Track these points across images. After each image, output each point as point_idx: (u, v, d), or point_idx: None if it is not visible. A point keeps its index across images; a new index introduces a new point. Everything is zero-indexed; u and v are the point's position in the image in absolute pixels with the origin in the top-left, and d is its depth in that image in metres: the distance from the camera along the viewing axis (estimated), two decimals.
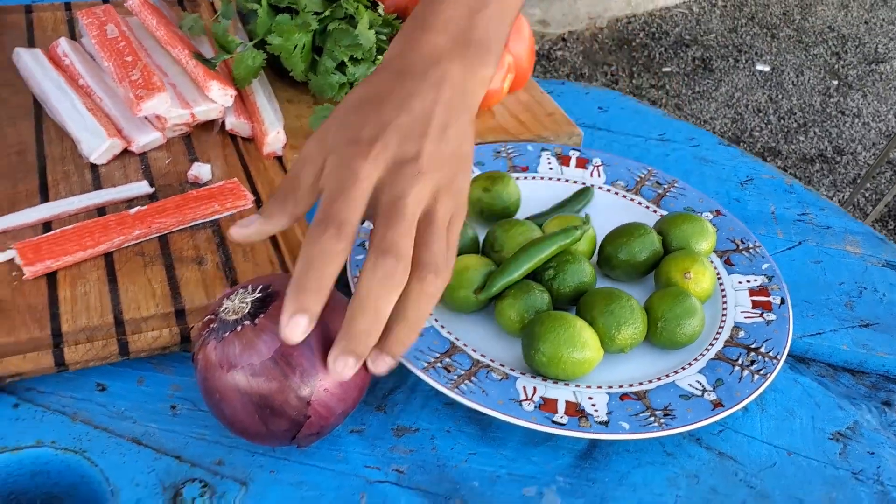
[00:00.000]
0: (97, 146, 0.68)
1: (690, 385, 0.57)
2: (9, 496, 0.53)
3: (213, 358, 0.48)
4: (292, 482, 0.52)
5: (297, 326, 0.45)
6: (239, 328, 0.48)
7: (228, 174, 0.70)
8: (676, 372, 0.58)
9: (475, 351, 0.58)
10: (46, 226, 0.62)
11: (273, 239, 0.64)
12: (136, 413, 0.55)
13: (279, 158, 0.73)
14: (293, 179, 0.49)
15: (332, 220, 0.46)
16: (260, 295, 0.49)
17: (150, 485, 0.51)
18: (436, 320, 0.60)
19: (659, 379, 0.58)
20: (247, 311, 0.49)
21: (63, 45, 0.78)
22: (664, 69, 3.02)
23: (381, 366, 0.47)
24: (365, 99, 0.50)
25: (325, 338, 0.49)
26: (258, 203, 0.67)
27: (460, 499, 0.52)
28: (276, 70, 0.78)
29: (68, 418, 0.54)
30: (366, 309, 0.46)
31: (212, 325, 0.49)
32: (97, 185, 0.67)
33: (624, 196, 0.72)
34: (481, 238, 0.65)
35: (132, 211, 0.63)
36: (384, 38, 0.76)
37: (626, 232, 0.64)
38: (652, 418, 0.54)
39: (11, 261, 0.59)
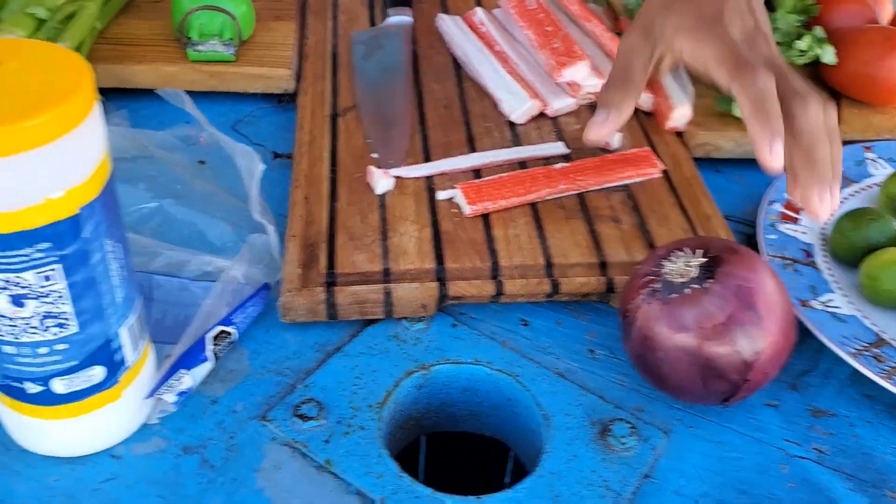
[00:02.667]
0: (518, 107, 0.74)
1: None
2: (439, 406, 0.59)
3: (657, 317, 0.51)
4: (712, 440, 0.53)
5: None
6: (687, 291, 0.50)
7: (632, 143, 0.72)
8: None
9: None
10: (475, 172, 0.68)
11: (682, 207, 0.66)
12: (557, 350, 0.58)
13: (679, 134, 0.75)
14: (626, 69, 0.62)
15: (752, 60, 0.55)
16: (705, 260, 0.51)
17: (578, 416, 0.54)
18: (858, 311, 0.58)
19: None
20: (694, 274, 0.50)
21: (479, 13, 0.85)
22: None
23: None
24: None
25: (767, 303, 0.49)
26: (665, 174, 0.69)
27: (890, 490, 0.51)
28: None
29: (498, 344, 0.59)
30: (818, 142, 0.55)
31: (653, 286, 0.51)
32: (516, 142, 0.72)
33: None
34: None
35: (557, 167, 0.67)
36: (799, 24, 0.75)
37: None
38: None
39: (450, 199, 0.65)
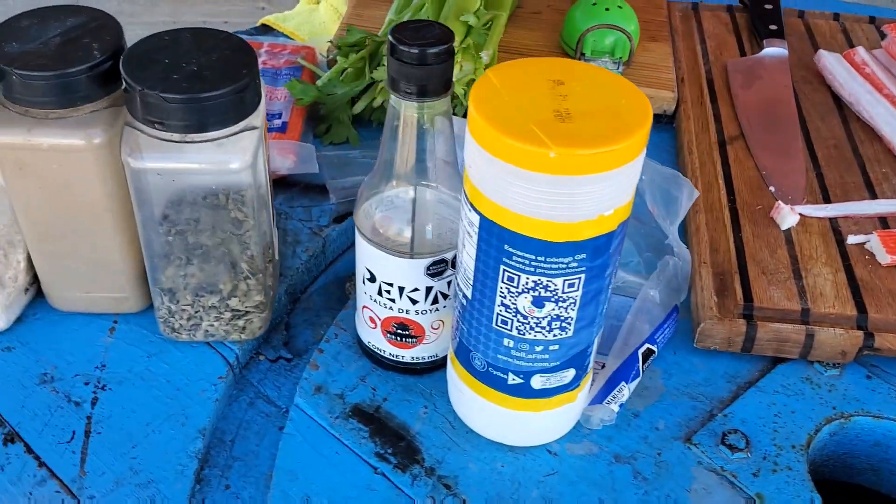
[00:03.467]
0: None
1: None
2: (842, 455, 0.58)
3: None
4: None
5: None
6: None
7: None
8: None
9: None
10: (881, 219, 0.66)
11: None
12: None
13: None
14: None
15: None
16: None
17: None
18: None
19: None
20: None
21: (861, 53, 0.83)
22: None
23: None
24: None
25: None
26: None
27: None
28: None
29: None
30: None
31: None
32: None
33: None
34: None
35: None
36: None
37: None
38: None
39: (862, 244, 0.64)
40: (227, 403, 0.57)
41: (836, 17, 0.95)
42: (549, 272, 0.43)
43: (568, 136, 0.39)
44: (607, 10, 0.80)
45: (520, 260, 0.43)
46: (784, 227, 0.65)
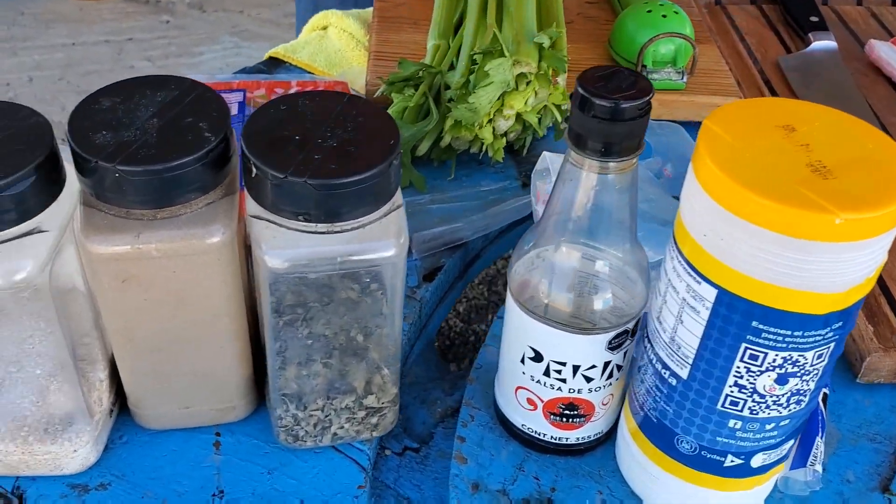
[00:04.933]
0: None
1: None
2: None
3: None
4: None
5: None
6: None
7: None
8: None
9: None
10: None
11: None
12: None
13: None
14: None
15: None
16: None
17: None
18: None
19: None
20: None
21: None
22: None
23: None
24: None
25: None
26: None
27: None
28: None
29: None
30: None
31: None
32: None
33: None
34: None
35: None
36: None
37: None
38: None
39: None
40: None
41: (860, 2, 0.93)
42: (801, 346, 0.38)
43: (842, 196, 0.34)
44: (664, 16, 0.75)
45: (770, 336, 0.37)
46: None
